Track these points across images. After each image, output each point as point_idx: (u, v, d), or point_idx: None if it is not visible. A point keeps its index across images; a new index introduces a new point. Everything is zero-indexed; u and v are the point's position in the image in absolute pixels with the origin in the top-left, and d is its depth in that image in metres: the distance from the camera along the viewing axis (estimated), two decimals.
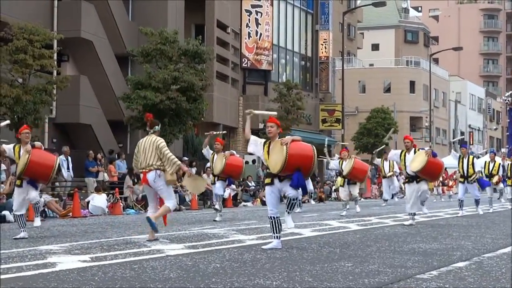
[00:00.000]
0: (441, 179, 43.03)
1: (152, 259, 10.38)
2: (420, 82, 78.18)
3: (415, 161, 17.34)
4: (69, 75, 30.95)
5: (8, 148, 14.68)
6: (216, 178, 20.65)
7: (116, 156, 32.03)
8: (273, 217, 11.81)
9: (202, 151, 20.92)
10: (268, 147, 11.88)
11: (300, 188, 11.69)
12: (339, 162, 23.50)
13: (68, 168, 28.00)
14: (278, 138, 11.90)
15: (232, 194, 31.87)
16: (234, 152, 21.80)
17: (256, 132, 50.63)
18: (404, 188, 21.13)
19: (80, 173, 28.69)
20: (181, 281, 8.28)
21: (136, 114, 31.92)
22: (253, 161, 42.65)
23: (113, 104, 35.91)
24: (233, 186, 32.91)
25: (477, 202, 23.23)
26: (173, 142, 32.64)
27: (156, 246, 12.21)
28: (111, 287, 7.88)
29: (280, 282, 8.20)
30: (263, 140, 12.14)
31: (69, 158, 28.15)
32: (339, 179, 24.50)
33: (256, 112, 13.03)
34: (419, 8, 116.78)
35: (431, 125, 72.87)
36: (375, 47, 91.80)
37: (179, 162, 13.47)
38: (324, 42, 59.36)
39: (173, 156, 13.35)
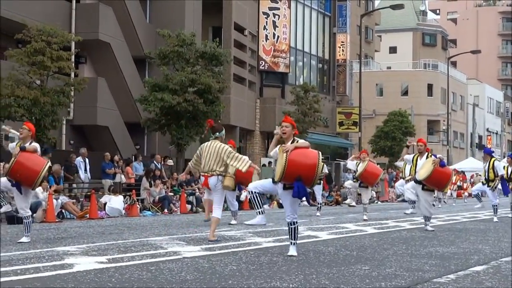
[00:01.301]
0: (458, 183, 42.92)
1: (169, 261, 10.39)
2: (438, 85, 77.92)
3: (423, 168, 17.02)
4: (87, 77, 31.02)
5: (11, 146, 14.39)
6: None
7: (133, 158, 32.08)
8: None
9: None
10: (280, 151, 11.30)
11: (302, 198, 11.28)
12: (356, 163, 23.27)
13: (85, 170, 28.07)
14: (293, 140, 11.21)
15: (248, 197, 31.81)
16: (246, 158, 20.92)
17: (272, 135, 50.60)
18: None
19: (97, 174, 28.76)
20: (198, 283, 8.28)
21: (153, 116, 31.98)
22: (269, 163, 42.62)
23: (130, 106, 36.00)
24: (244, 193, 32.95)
25: (495, 208, 22.61)
26: (190, 144, 32.67)
27: (173, 248, 12.22)
28: None
29: (297, 284, 8.19)
30: (278, 147, 11.51)
31: (87, 160, 28.23)
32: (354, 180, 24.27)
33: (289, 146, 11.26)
34: (437, 11, 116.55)
35: (448, 128, 72.59)
36: (393, 49, 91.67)
37: (250, 162, 14.32)
38: (341, 44, 59.26)
39: (243, 156, 14.32)
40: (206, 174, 14.24)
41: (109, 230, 17.51)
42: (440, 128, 77.62)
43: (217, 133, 14.41)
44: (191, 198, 29.48)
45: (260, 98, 49.78)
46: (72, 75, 29.40)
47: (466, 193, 44.57)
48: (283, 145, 11.14)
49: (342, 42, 59.29)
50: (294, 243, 11.30)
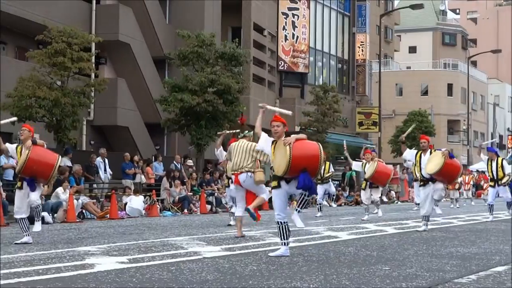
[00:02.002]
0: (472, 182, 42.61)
1: (190, 261, 10.41)
2: (458, 85, 77.64)
3: (431, 163, 16.34)
4: (107, 77, 31.13)
5: (11, 147, 13.97)
6: (230, 181, 18.63)
7: (153, 158, 32.17)
8: (281, 222, 11.03)
9: (215, 152, 19.03)
10: (274, 147, 11.17)
11: (307, 190, 10.87)
12: (362, 164, 22.67)
13: (105, 170, 28.17)
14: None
15: (268, 197, 31.79)
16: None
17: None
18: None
19: (117, 175, 28.85)
20: (218, 283, 8.30)
21: (173, 117, 32.05)
22: None
23: (150, 107, 36.09)
24: (269, 189, 32.86)
25: (509, 204, 22.67)
26: (210, 145, 32.70)
27: (193, 248, 12.24)
28: None
29: (317, 285, 8.18)
30: (272, 139, 11.31)
31: (106, 160, 28.33)
32: (363, 182, 23.38)
33: (270, 107, 12.02)
34: (457, 11, 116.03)
35: (469, 128, 72.29)
36: (413, 49, 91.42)
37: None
38: (361, 44, 59.15)
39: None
40: (236, 172, 14.93)
41: (130, 230, 17.56)
42: (460, 128, 77.33)
43: (246, 132, 15.27)
44: (210, 198, 29.52)
45: (279, 98, 49.77)
46: (93, 76, 29.51)
47: (486, 192, 44.32)
48: (283, 138, 10.96)
49: (361, 42, 59.17)
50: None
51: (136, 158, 29.61)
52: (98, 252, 11.76)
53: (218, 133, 19.25)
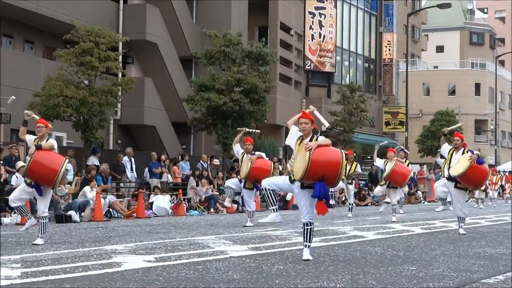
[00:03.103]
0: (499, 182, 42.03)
1: (216, 260, 10.43)
2: (486, 85, 77.19)
3: (458, 164, 15.64)
4: (134, 77, 31.25)
5: (29, 139, 13.63)
6: (244, 183, 18.87)
7: (180, 158, 32.24)
8: (266, 189, 11.19)
9: (233, 146, 19.25)
10: (299, 145, 10.72)
11: (322, 199, 10.39)
12: (384, 162, 21.77)
13: (131, 169, 28.27)
14: (312, 137, 10.60)
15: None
16: (263, 154, 19.58)
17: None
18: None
19: (144, 174, 28.94)
20: (245, 282, 8.31)
21: (199, 116, 32.11)
22: None
23: (177, 106, 36.19)
24: None
25: None
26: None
27: (219, 248, 12.26)
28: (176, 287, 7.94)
29: (344, 284, 8.18)
30: (300, 134, 10.87)
31: (133, 159, 28.43)
32: (382, 181, 22.65)
33: (317, 113, 11.58)
34: (485, 10, 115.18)
35: (496, 128, 71.85)
36: (440, 49, 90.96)
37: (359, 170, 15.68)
38: (388, 44, 58.96)
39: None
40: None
41: (156, 229, 17.62)
42: (488, 128, 76.86)
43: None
44: (237, 197, 29.52)
45: (306, 97, 49.71)
46: (120, 75, 29.63)
47: (507, 194, 43.97)
48: (305, 142, 10.48)
49: (388, 41, 58.99)
50: (308, 246, 10.63)
51: (163, 157, 29.69)
52: (125, 250, 11.81)
53: (238, 129, 19.43)
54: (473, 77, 78.15)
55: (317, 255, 11.19)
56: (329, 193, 10.83)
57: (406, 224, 19.53)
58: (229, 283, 8.25)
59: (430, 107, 68.30)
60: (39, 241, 12.99)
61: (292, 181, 10.73)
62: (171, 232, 16.55)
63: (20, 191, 13.51)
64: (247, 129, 19.53)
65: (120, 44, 30.27)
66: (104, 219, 21.55)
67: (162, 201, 25.15)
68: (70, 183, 23.42)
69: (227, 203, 19.91)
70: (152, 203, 25.14)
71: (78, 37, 26.01)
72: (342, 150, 10.78)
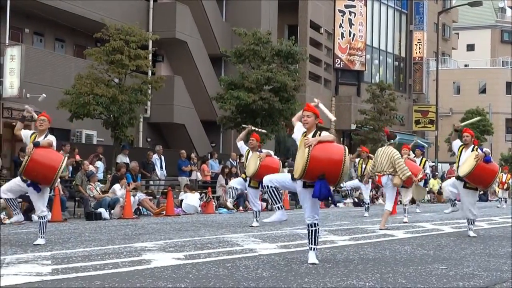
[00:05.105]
0: None
1: (245, 258, 10.43)
2: None
3: (466, 163, 14.86)
4: (164, 75, 31.39)
5: (25, 135, 12.96)
6: (249, 182, 18.16)
7: (209, 156, 32.29)
8: (269, 187, 10.50)
9: (237, 143, 18.56)
10: (302, 140, 9.99)
11: (324, 200, 9.84)
12: None
13: (161, 167, 28.36)
14: (315, 132, 9.97)
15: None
16: (271, 152, 18.71)
17: (348, 133, 50.64)
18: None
19: (173, 172, 29.03)
20: (274, 280, 8.30)
21: (229, 114, 32.14)
22: None
23: (206, 104, 36.27)
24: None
25: None
26: (265, 142, 32.72)
27: (249, 245, 12.26)
28: (205, 285, 7.94)
29: (373, 283, 8.15)
30: (304, 130, 10.19)
31: (162, 157, 28.52)
32: None
33: (322, 107, 10.75)
34: None
35: None
36: (471, 47, 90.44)
37: (409, 173, 16.95)
38: (418, 42, 58.75)
39: (405, 168, 16.83)
40: (379, 174, 17.03)
41: (186, 227, 17.65)
42: None
43: (391, 140, 17.13)
44: (266, 196, 29.50)
45: (335, 96, 49.68)
46: (150, 73, 29.76)
47: None
48: (305, 138, 9.85)
49: (418, 39, 58.77)
50: (314, 249, 9.97)
51: (192, 155, 29.76)
52: (154, 248, 11.84)
53: (243, 125, 19.21)
54: (504, 76, 77.62)
55: (346, 253, 11.16)
56: (332, 191, 9.97)
57: (435, 223, 19.43)
58: (258, 281, 8.25)
59: (461, 106, 67.94)
60: (40, 241, 12.54)
61: (294, 179, 10.07)
62: (200, 230, 16.57)
63: (13, 184, 12.85)
64: (253, 128, 18.72)
65: (150, 42, 30.40)
66: (134, 216, 21.64)
67: (191, 199, 25.21)
68: (100, 180, 23.55)
69: (229, 204, 19.47)
70: (181, 201, 25.20)
71: (109, 36, 26.14)
72: (345, 146, 10.00)
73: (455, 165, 15.86)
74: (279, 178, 10.57)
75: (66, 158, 13.42)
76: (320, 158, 9.52)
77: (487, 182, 15.19)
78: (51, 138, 12.71)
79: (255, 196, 18.67)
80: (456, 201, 16.86)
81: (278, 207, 10.60)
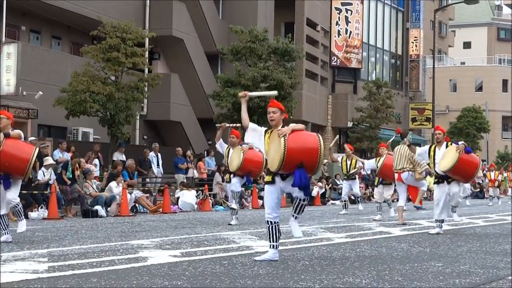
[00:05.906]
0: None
1: (242, 255, 10.44)
2: None
3: (445, 158, 14.48)
4: (160, 73, 31.36)
5: None
6: (231, 175, 17.84)
7: (206, 153, 32.27)
8: (271, 222, 9.98)
9: (216, 145, 18.21)
10: (269, 137, 9.98)
11: (302, 190, 9.68)
12: (376, 160, 20.36)
13: (158, 165, 28.35)
14: (282, 126, 9.85)
15: (320, 192, 31.79)
16: (253, 145, 17.15)
17: (344, 130, 50.67)
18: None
19: (169, 169, 29.02)
20: (270, 277, 8.30)
21: (225, 112, 32.13)
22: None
23: (202, 102, 36.27)
24: (320, 184, 32.82)
25: None
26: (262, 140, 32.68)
27: (245, 243, 12.28)
28: (201, 282, 7.95)
29: (370, 280, 8.15)
30: (265, 128, 10.22)
31: (159, 155, 28.51)
32: (376, 179, 21.23)
33: (252, 94, 10.82)
34: None
35: None
36: (467, 45, 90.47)
37: (426, 165, 17.28)
38: (414, 40, 58.77)
39: (421, 162, 17.43)
40: (399, 171, 17.78)
41: (182, 224, 17.66)
42: None
43: (405, 139, 17.59)
44: (262, 193, 29.50)
45: (332, 93, 49.69)
46: (146, 71, 29.74)
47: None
48: (277, 129, 9.73)
49: (415, 37, 58.79)
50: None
51: (188, 153, 29.74)
52: (151, 245, 11.85)
53: (217, 125, 17.97)
54: (501, 73, 77.70)
55: (342, 251, 11.17)
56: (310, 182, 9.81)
57: (432, 220, 19.41)
58: (255, 278, 8.25)
59: (457, 104, 68.03)
60: (21, 226, 12.73)
61: (270, 172, 9.84)
62: (196, 227, 16.58)
63: (8, 191, 12.38)
64: (227, 124, 18.33)
65: (147, 40, 30.37)
66: (130, 214, 21.63)
67: (187, 197, 25.22)
68: (96, 177, 23.55)
69: (234, 205, 19.32)
70: (178, 198, 25.21)
71: (105, 33, 26.13)
72: (318, 134, 9.92)
73: (430, 165, 15.44)
74: (273, 204, 10.00)
75: (38, 149, 13.10)
76: (297, 147, 9.48)
77: (471, 174, 15.05)
78: (19, 131, 12.47)
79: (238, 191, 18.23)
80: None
81: (272, 246, 10.00)
